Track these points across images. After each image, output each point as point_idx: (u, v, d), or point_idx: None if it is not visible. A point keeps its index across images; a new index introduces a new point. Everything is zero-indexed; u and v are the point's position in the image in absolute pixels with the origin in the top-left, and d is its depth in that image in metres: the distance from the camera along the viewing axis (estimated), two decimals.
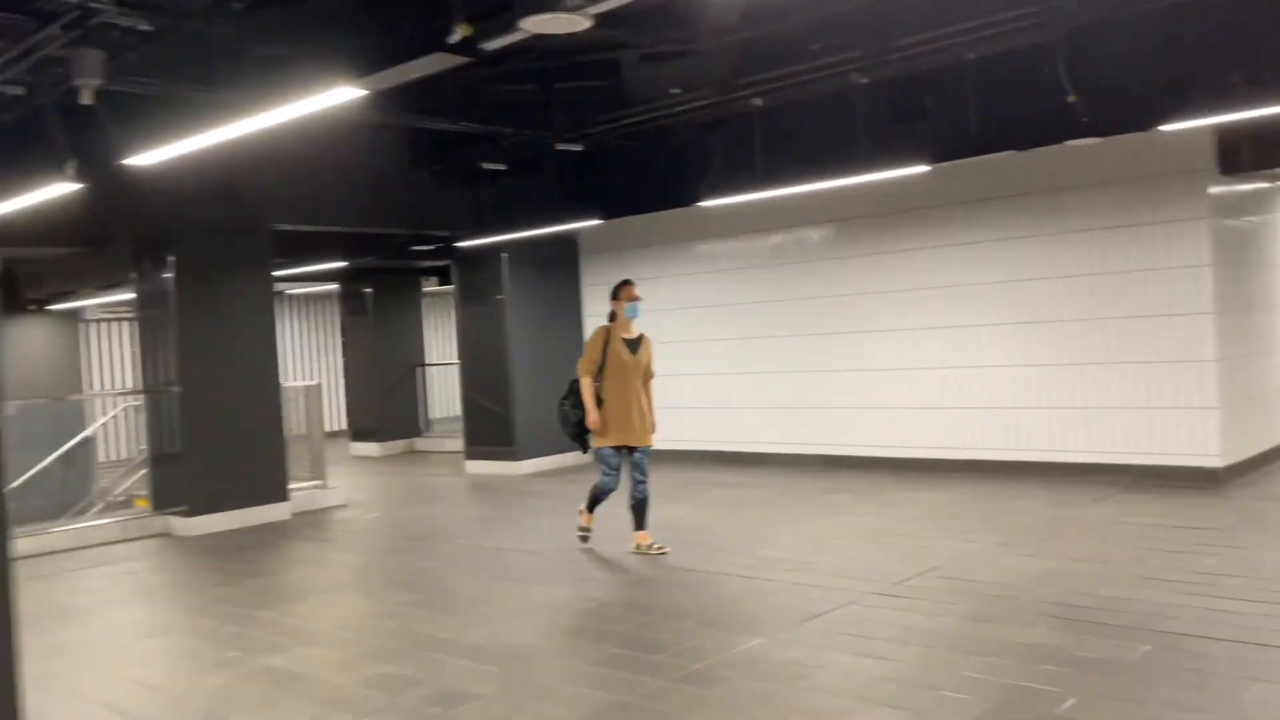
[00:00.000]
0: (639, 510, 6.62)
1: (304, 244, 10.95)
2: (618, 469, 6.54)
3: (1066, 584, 5.25)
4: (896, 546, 6.38)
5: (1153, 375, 7.93)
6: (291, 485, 9.16)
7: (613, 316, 6.67)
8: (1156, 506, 7.07)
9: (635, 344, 6.61)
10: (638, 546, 6.61)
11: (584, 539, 6.84)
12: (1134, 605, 4.80)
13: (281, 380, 9.19)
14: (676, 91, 8.07)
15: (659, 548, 6.53)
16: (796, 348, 10.03)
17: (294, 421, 9.69)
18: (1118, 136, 7.79)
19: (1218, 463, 7.66)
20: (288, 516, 8.92)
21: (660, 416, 6.78)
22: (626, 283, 6.72)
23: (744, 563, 6.16)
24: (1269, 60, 6.53)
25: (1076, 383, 8.30)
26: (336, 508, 9.38)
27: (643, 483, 6.54)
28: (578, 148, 9.09)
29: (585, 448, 6.74)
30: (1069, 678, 3.94)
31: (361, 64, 3.95)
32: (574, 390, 6.65)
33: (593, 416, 6.48)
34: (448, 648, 4.81)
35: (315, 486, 9.51)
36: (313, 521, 8.75)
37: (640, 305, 6.66)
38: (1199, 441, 7.74)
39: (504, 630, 5.05)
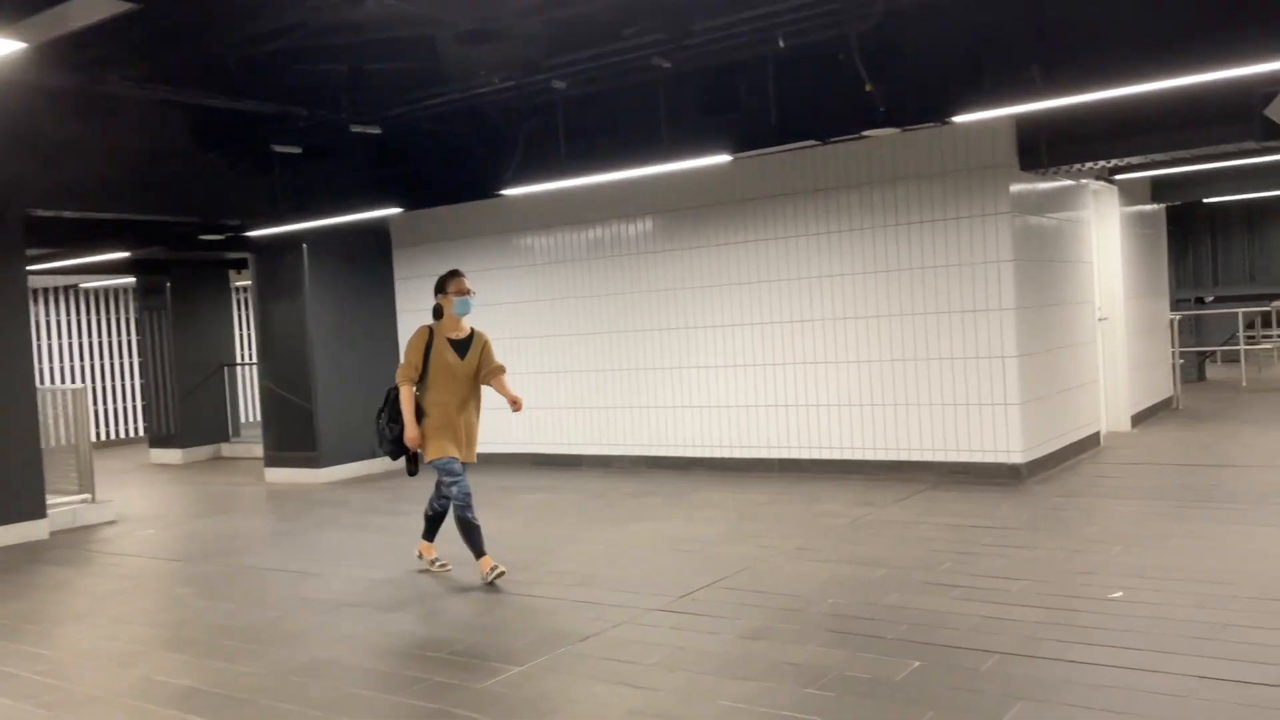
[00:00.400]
0: (433, 522, 6.04)
1: (73, 232, 9.92)
2: (461, 472, 5.65)
3: (853, 592, 5.01)
4: (693, 554, 6.06)
5: (958, 371, 7.90)
6: (51, 500, 8.22)
7: (438, 313, 5.79)
8: (958, 505, 6.99)
9: (465, 345, 5.76)
10: (420, 556, 6.09)
11: (498, 574, 5.61)
12: (915, 615, 4.58)
13: (41, 383, 8.23)
14: (483, 74, 7.59)
15: (441, 564, 6.02)
16: (616, 345, 9.67)
17: (58, 429, 8.72)
18: (924, 130, 7.76)
19: (1019, 459, 7.68)
20: (45, 535, 7.98)
21: (483, 416, 5.97)
22: (455, 274, 5.83)
23: (529, 579, 5.71)
24: (1066, 52, 6.50)
25: (886, 379, 8.21)
26: (105, 524, 8.47)
27: (448, 500, 5.80)
28: (375, 131, 8.47)
29: (411, 467, 5.82)
30: (833, 702, 3.65)
31: (10, 10, 3.31)
32: (392, 401, 5.76)
33: (411, 432, 5.59)
34: (159, 694, 4.18)
35: (81, 501, 8.57)
36: (73, 541, 7.84)
37: (472, 300, 5.82)
38: (1001, 438, 7.74)
39: (234, 670, 4.44)
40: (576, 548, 6.48)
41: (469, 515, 5.64)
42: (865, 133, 6.64)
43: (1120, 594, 4.70)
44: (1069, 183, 8.92)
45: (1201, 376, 14.62)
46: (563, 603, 5.20)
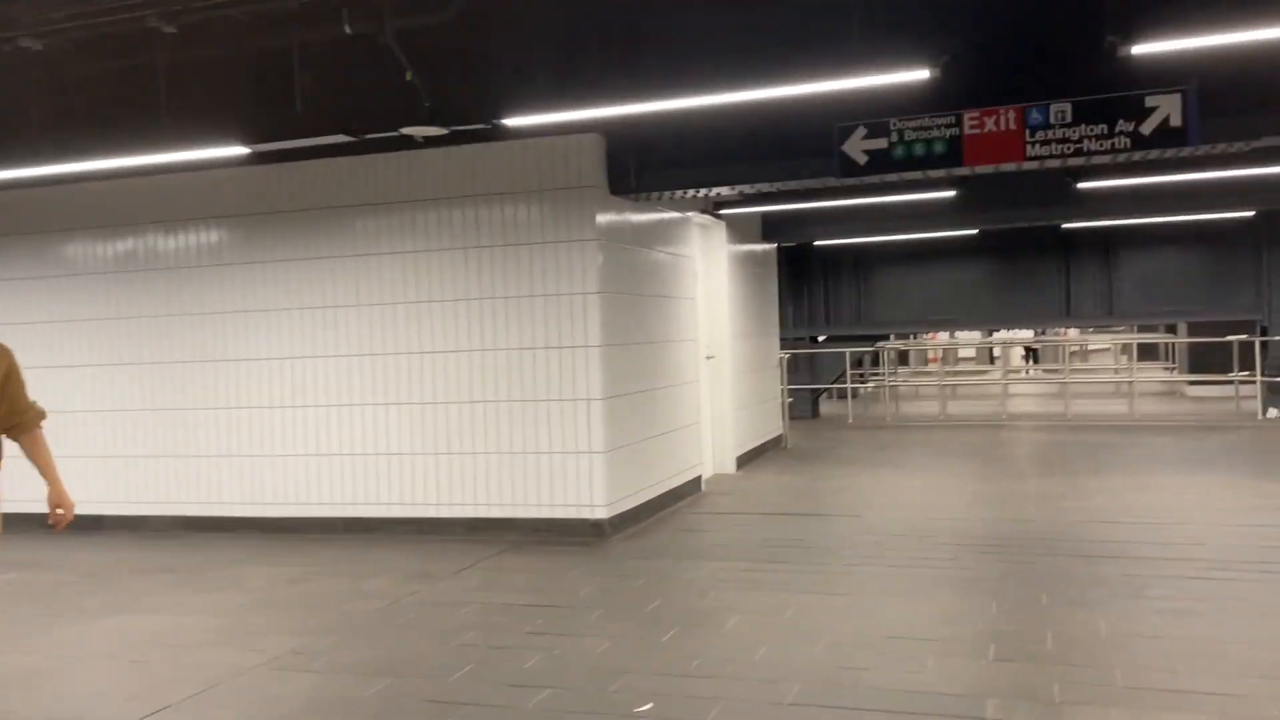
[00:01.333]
0: None
1: None
2: None
3: None
4: (152, 668, 4.57)
5: (540, 415, 6.99)
6: None
7: None
8: (523, 575, 6.02)
9: None
10: None
11: None
12: None
13: None
14: None
15: None
16: (150, 380, 7.87)
17: None
18: (510, 142, 6.84)
19: (602, 514, 6.88)
20: None
21: None
22: None
23: None
24: (652, 53, 5.77)
25: (464, 423, 7.14)
26: None
27: None
28: None
29: None
30: None
31: None
32: None
33: None
34: None
35: None
36: None
37: None
38: (585, 491, 6.91)
39: None
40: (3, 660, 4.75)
41: None
42: (406, 130, 5.55)
43: (650, 706, 3.84)
44: (673, 215, 8.39)
45: (815, 413, 15.06)
46: None
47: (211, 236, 7.66)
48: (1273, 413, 12.80)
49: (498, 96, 5.32)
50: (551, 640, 4.71)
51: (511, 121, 5.29)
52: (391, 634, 4.94)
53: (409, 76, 5.22)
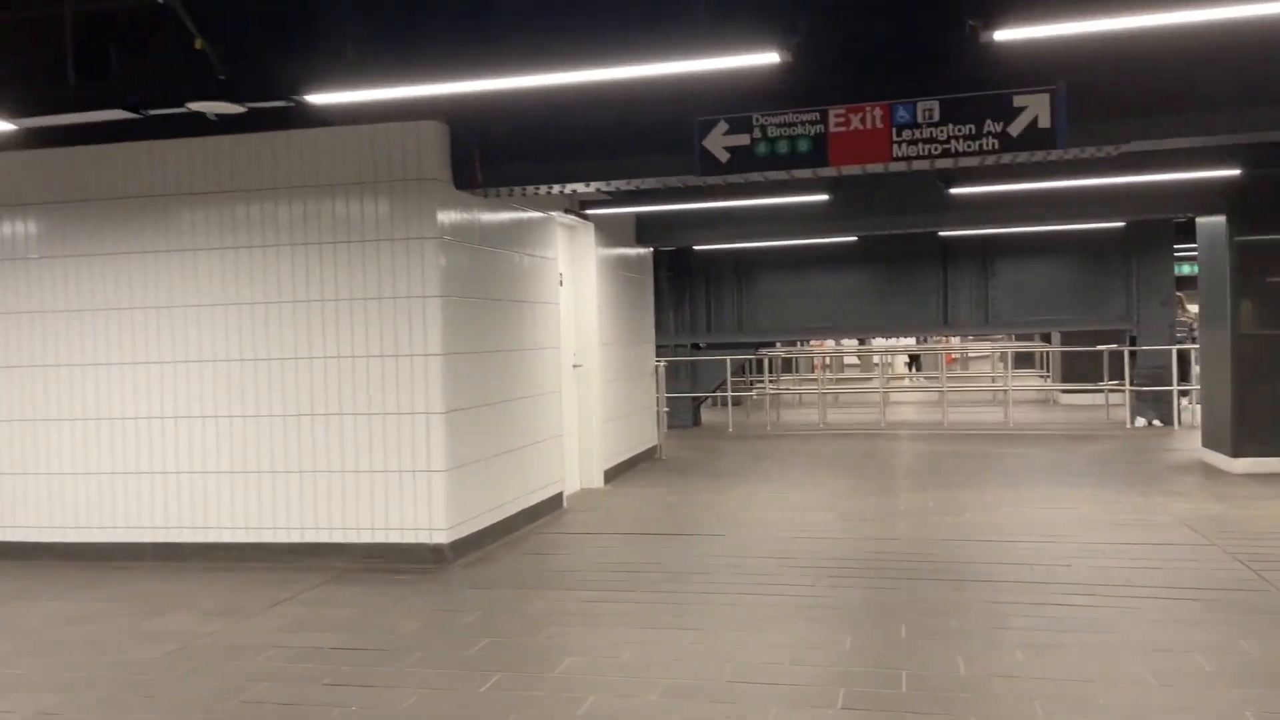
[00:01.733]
0: None
1: None
2: None
3: None
4: None
5: (375, 431, 6.35)
6: None
7: None
8: (343, 610, 5.38)
9: None
10: None
11: None
12: None
13: None
14: None
15: None
16: None
17: None
18: (343, 129, 6.22)
19: (443, 538, 6.28)
20: None
21: None
22: None
23: None
24: (501, 21, 5.19)
25: (290, 439, 6.45)
26: None
27: None
28: None
29: None
30: None
31: None
32: None
33: None
34: None
35: None
36: None
37: None
38: (423, 513, 6.30)
39: None
40: None
41: None
42: (194, 106, 4.88)
43: None
44: (534, 214, 7.84)
45: (697, 422, 14.70)
46: None
47: (3, 228, 6.79)
48: (1140, 422, 12.96)
49: (307, 70, 4.69)
50: (353, 693, 4.11)
51: (319, 98, 4.67)
52: (170, 688, 4.26)
53: (199, 44, 4.55)
